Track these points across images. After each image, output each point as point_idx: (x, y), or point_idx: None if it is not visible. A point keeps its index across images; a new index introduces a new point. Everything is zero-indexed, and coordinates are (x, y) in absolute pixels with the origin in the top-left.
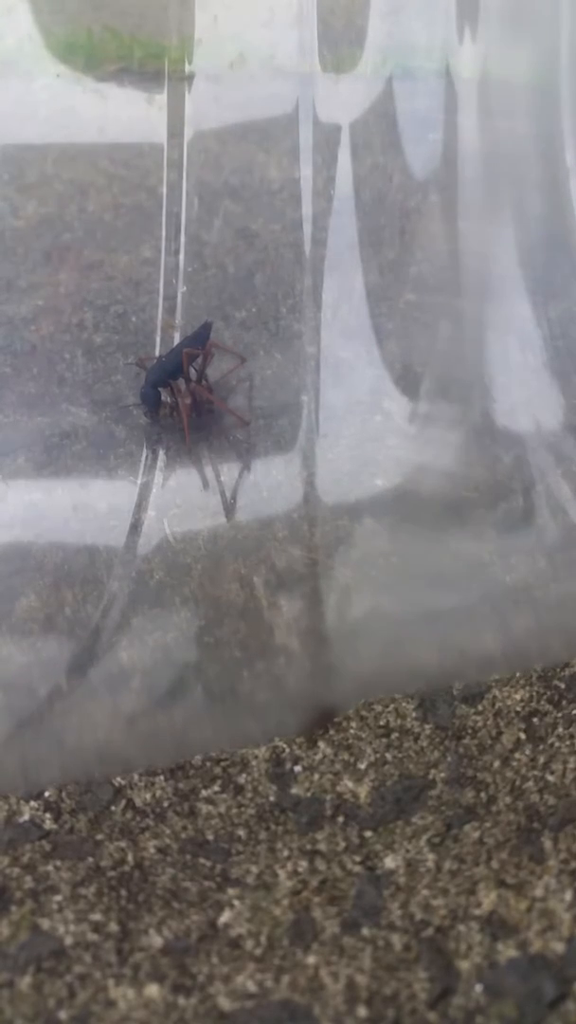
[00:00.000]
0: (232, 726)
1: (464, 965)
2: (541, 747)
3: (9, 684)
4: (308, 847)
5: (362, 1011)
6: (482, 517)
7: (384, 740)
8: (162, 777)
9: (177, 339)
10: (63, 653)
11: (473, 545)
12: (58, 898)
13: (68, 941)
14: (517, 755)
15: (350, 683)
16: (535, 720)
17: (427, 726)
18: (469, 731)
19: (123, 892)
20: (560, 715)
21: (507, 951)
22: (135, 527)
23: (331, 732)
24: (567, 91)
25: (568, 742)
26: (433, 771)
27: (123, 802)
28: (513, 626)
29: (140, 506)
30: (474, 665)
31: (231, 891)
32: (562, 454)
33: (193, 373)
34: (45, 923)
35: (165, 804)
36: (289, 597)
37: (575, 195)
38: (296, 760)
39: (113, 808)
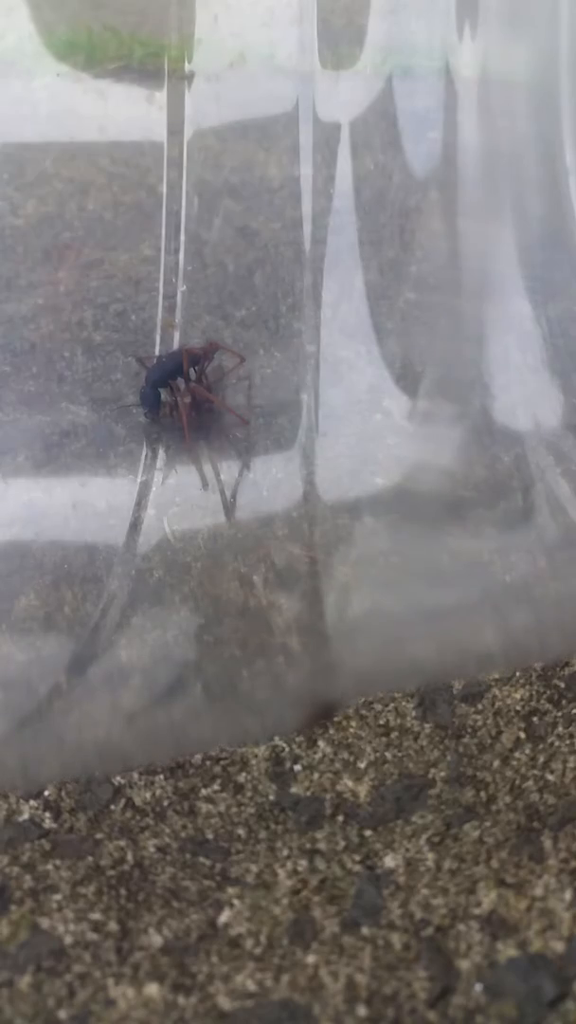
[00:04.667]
0: (232, 724)
1: (464, 964)
2: (541, 746)
3: (9, 683)
4: (308, 846)
5: (362, 1010)
6: (482, 516)
7: (384, 739)
8: (162, 776)
9: (177, 339)
10: (63, 652)
11: (473, 543)
12: (58, 897)
13: (68, 940)
14: (517, 754)
15: (350, 680)
16: (535, 719)
17: (427, 725)
18: (469, 730)
19: (123, 891)
20: (560, 714)
21: (507, 950)
22: (135, 526)
23: (331, 731)
24: (566, 90)
25: (568, 741)
26: (433, 770)
27: (123, 801)
28: (513, 623)
29: (140, 504)
30: (474, 662)
31: (231, 890)
32: (562, 453)
33: (192, 373)
34: (45, 922)
35: (165, 803)
36: (289, 596)
37: (574, 194)
38: (296, 759)
39: (113, 807)
